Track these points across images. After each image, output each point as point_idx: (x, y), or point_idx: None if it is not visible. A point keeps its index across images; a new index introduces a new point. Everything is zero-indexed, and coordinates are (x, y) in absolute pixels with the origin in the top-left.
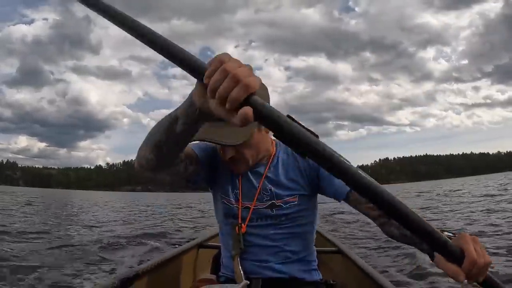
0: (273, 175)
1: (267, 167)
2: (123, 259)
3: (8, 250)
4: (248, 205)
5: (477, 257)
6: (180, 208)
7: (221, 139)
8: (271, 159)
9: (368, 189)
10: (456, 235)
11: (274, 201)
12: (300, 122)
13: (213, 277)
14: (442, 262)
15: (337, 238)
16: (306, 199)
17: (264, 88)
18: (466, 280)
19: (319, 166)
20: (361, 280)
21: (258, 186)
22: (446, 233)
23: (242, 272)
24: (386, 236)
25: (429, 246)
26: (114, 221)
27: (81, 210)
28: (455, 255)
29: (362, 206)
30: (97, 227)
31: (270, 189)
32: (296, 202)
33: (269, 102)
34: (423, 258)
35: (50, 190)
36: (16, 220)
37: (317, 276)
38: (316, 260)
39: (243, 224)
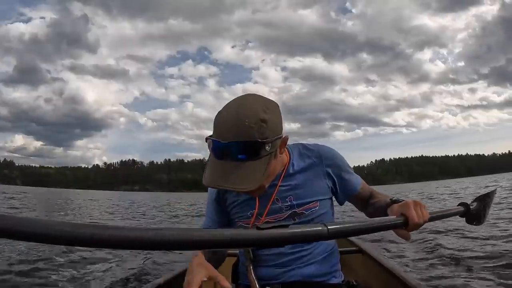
0: (290, 183)
1: (281, 177)
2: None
3: None
4: (268, 219)
5: (417, 219)
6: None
7: (235, 185)
8: (285, 169)
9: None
10: (402, 202)
11: (295, 210)
12: None
13: (233, 285)
14: (395, 231)
15: (357, 237)
16: (326, 202)
17: (274, 111)
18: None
19: (337, 168)
20: (384, 278)
21: (271, 197)
22: (395, 203)
23: (256, 280)
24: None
25: (384, 230)
26: None
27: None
28: (401, 225)
29: (358, 203)
30: None
31: (290, 199)
32: (317, 208)
33: (281, 120)
34: (449, 253)
35: (53, 189)
36: None
37: (339, 277)
38: (338, 261)
39: None
